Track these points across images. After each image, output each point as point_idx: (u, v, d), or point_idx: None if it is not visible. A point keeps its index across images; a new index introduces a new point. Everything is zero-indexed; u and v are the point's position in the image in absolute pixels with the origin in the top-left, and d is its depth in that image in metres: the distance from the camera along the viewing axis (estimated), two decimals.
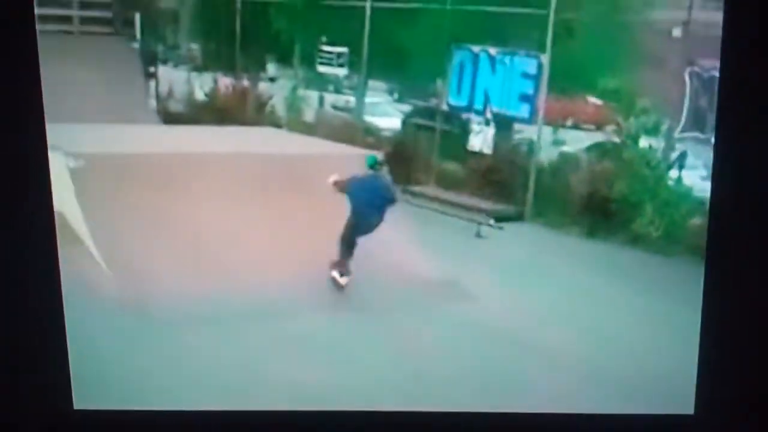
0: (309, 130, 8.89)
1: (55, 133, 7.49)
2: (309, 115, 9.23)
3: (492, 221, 8.02)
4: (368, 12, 8.82)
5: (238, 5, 9.21)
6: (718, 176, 2.52)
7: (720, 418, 2.83)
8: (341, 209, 7.11)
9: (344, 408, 3.31)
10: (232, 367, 5.62)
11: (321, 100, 9.30)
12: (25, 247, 2.97)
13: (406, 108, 9.34)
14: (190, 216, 7.11)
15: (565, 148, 8.51)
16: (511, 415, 3.19)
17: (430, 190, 8.50)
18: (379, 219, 7.22)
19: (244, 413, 3.28)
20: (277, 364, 5.65)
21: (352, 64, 9.09)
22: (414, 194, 8.41)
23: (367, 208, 7.22)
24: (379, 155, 7.67)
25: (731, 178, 2.51)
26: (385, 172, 7.60)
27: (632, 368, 5.62)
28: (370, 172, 7.37)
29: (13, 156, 2.91)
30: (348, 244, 7.17)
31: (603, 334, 6.27)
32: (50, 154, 6.97)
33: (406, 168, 8.48)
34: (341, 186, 7.21)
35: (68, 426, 3.18)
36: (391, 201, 7.34)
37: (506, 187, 8.30)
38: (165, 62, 9.05)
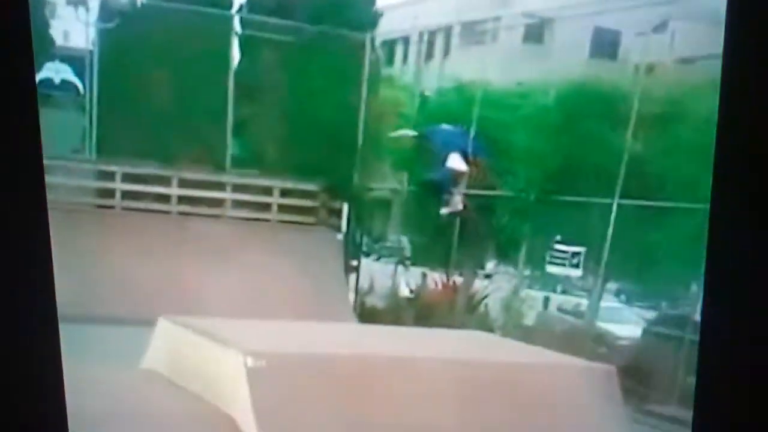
0: (526, 335, 7.94)
1: (233, 328, 7.01)
2: (529, 318, 8.30)
3: None
4: (614, 209, 7.99)
5: None
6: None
7: None
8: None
9: None
10: None
11: (546, 303, 8.41)
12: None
13: (649, 314, 8.26)
14: (381, 426, 6.26)
15: None
16: None
17: (672, 410, 7.16)
18: None
19: None
20: None
21: (588, 265, 8.18)
22: (652, 415, 7.09)
23: None
24: None
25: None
26: None
27: None
28: None
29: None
30: None
31: None
32: (225, 352, 6.44)
33: (644, 384, 7.23)
34: None
35: None
36: None
37: None
38: (368, 255, 8.67)
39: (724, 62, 2.54)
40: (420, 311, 8.29)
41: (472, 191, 8.74)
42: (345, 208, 8.61)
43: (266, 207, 8.60)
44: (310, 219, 8.57)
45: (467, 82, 9.51)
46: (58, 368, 2.48)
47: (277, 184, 8.66)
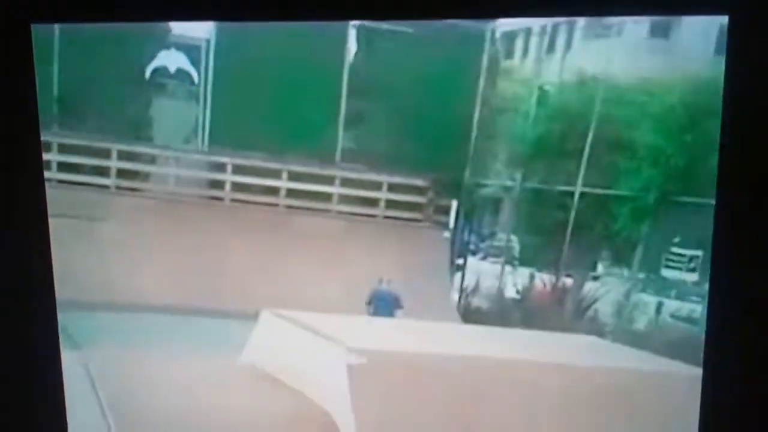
0: (638, 341, 7.77)
1: (336, 324, 7.16)
2: (640, 324, 8.13)
3: None
4: None
5: (575, 196, 8.59)
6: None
7: None
8: None
9: None
10: None
11: (659, 308, 8.23)
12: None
13: None
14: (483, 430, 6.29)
15: None
16: None
17: None
18: None
19: None
20: None
21: (706, 269, 7.98)
22: None
23: None
24: None
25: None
26: None
27: None
28: None
29: None
30: None
31: None
32: (327, 348, 6.60)
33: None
34: None
35: None
36: None
37: None
38: (474, 254, 8.65)
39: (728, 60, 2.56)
40: (526, 313, 8.26)
41: (588, 189, 8.66)
42: (453, 204, 8.63)
43: (373, 202, 8.71)
44: (418, 215, 8.64)
45: (589, 77, 9.37)
46: (58, 369, 2.66)
47: (385, 178, 8.77)
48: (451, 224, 8.58)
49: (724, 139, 2.48)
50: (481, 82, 9.54)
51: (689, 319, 8.21)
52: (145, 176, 8.66)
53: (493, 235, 8.99)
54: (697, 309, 8.22)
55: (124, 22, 2.54)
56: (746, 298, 2.52)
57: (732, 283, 2.52)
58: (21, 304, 2.81)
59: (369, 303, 8.07)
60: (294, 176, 8.82)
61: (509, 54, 10.86)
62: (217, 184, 8.77)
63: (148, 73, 8.72)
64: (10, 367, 2.91)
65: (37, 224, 2.82)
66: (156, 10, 2.54)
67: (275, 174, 8.75)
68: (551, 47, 10.47)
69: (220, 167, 8.71)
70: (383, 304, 8.06)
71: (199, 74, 9.10)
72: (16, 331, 2.88)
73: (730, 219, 2.51)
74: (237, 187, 8.74)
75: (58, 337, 3.02)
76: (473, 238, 8.79)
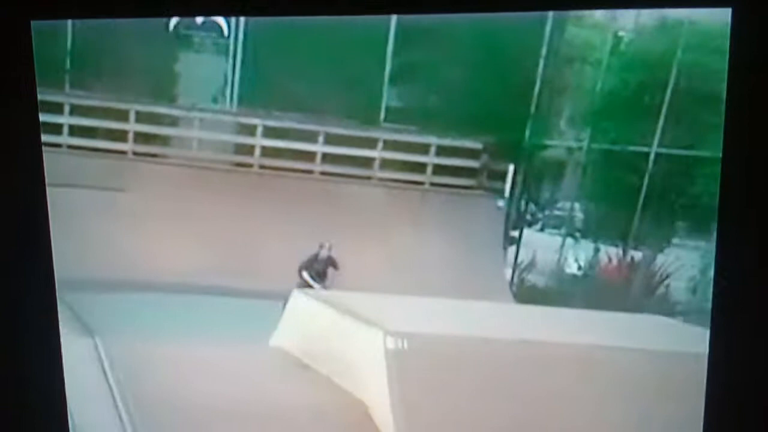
0: None
1: (374, 305, 7.10)
2: None
3: None
4: None
5: (650, 158, 8.36)
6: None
7: None
8: None
9: None
10: None
11: None
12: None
13: None
14: (540, 425, 6.20)
15: None
16: None
17: None
18: None
19: None
20: None
21: None
22: None
23: None
24: None
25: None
26: None
27: None
28: None
29: None
30: None
31: None
32: (366, 330, 6.55)
33: None
34: None
35: None
36: None
37: None
38: (531, 225, 8.50)
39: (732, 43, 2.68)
40: (589, 291, 8.12)
41: (665, 150, 8.44)
42: (510, 169, 8.48)
43: (420, 168, 8.59)
44: (469, 182, 8.51)
45: (671, 20, 9.07)
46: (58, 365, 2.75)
47: (434, 141, 8.63)
48: (507, 192, 8.43)
49: (727, 136, 2.58)
50: (548, 29, 9.32)
51: None
52: (166, 140, 8.62)
53: (553, 203, 8.83)
54: None
55: (127, 18, 2.64)
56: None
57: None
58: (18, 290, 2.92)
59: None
60: (332, 139, 8.75)
61: None
62: (247, 150, 8.70)
63: (171, 25, 8.64)
64: (8, 364, 3.02)
65: (37, 219, 2.93)
66: (162, 4, 2.58)
67: (311, 137, 8.68)
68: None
69: (250, 129, 8.64)
70: None
71: (229, 25, 8.97)
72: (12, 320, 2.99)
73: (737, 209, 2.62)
74: (268, 152, 8.67)
75: (58, 325, 3.08)
76: (531, 207, 8.64)
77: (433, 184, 8.48)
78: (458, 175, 8.52)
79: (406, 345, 6.32)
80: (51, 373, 3.11)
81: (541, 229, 8.71)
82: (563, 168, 8.73)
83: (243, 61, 8.90)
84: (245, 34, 8.83)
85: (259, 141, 8.60)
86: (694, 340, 7.20)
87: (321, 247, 8.04)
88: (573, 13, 10.22)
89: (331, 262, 7.96)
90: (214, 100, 9.04)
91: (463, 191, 8.44)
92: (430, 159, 8.59)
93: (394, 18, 9.11)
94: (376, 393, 6.19)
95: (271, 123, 8.57)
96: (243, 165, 8.60)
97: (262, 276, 7.63)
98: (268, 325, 6.93)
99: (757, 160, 2.67)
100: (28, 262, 3.00)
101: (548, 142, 8.79)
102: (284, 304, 7.26)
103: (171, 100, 8.83)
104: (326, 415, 6.09)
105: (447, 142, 8.67)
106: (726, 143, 2.93)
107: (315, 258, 7.80)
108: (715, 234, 8.53)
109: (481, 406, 6.13)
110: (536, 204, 8.64)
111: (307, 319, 7.03)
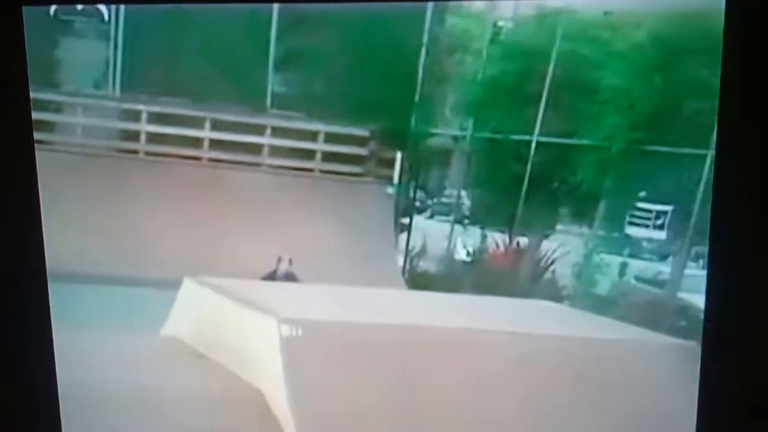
0: (599, 306, 7.88)
1: (267, 292, 7.08)
2: (603, 288, 8.21)
3: None
4: (708, 162, 7.81)
5: (532, 146, 8.58)
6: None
7: None
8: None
9: None
10: None
11: (623, 269, 8.31)
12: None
13: None
14: (432, 408, 6.30)
15: None
16: None
17: None
18: None
19: None
20: None
21: (674, 227, 8.06)
22: None
23: None
24: None
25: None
26: None
27: None
28: None
29: None
30: None
31: None
32: (260, 318, 6.53)
33: None
34: None
35: None
36: None
37: None
38: (421, 212, 8.64)
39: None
40: (478, 277, 8.29)
41: (546, 138, 8.66)
42: (398, 156, 8.58)
43: (309, 155, 8.62)
44: (358, 169, 8.59)
45: (549, 10, 9.31)
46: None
47: (322, 128, 8.67)
48: (396, 179, 8.53)
49: (723, 113, 2.60)
50: (428, 18, 9.45)
51: (655, 282, 8.29)
52: (50, 127, 8.41)
53: (441, 190, 8.97)
54: (665, 270, 8.30)
55: (114, 4, 2.65)
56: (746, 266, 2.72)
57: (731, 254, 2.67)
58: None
59: None
60: (218, 125, 8.69)
61: None
62: (132, 136, 8.56)
63: (51, 10, 8.44)
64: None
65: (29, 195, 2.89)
66: None
67: (197, 123, 8.59)
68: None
69: (135, 115, 8.50)
70: None
71: (109, 11, 8.81)
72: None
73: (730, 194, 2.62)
74: (154, 138, 8.54)
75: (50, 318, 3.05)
76: (420, 194, 8.76)
77: (323, 171, 8.53)
78: (348, 162, 8.59)
79: (300, 332, 6.34)
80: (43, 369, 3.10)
81: (431, 216, 8.85)
82: (449, 156, 8.89)
83: (125, 47, 8.75)
84: (126, 20, 8.69)
85: (144, 127, 8.47)
86: (580, 324, 7.50)
87: (279, 261, 8.02)
88: (452, 3, 10.39)
89: (291, 278, 7.95)
90: (97, 86, 8.89)
91: (353, 178, 8.51)
92: (319, 146, 8.63)
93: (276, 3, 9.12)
94: (272, 380, 6.19)
95: (156, 109, 8.45)
96: (129, 151, 8.46)
97: (153, 265, 7.53)
98: (161, 314, 6.84)
99: (750, 151, 2.66)
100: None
101: (434, 131, 8.93)
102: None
103: (54, 86, 8.62)
104: (223, 402, 6.06)
105: (335, 129, 8.72)
106: (720, 132, 2.86)
107: (273, 274, 7.76)
108: (597, 221, 8.82)
109: (374, 389, 6.19)
110: (425, 191, 8.77)
111: (199, 308, 6.97)
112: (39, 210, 3.00)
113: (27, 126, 2.95)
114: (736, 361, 2.63)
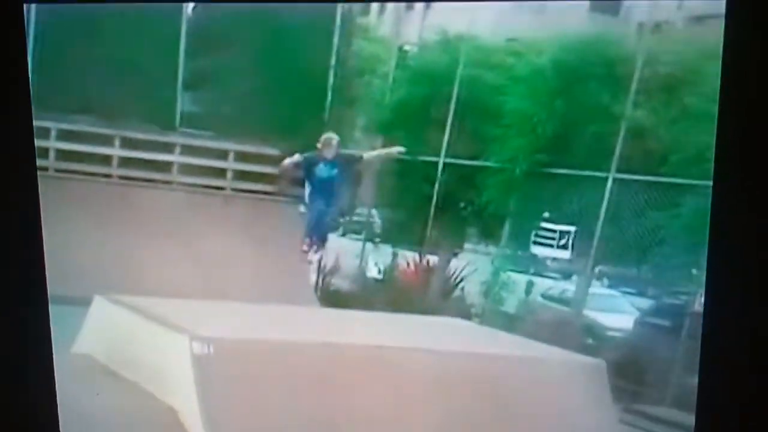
0: (507, 324, 8.06)
1: (178, 310, 7.06)
2: (510, 305, 8.44)
3: None
4: (609, 184, 8.07)
5: (439, 167, 8.75)
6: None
7: None
8: None
9: None
10: None
11: (529, 287, 8.52)
12: None
13: (644, 303, 8.37)
14: (346, 424, 6.36)
15: None
16: None
17: (665, 412, 7.29)
18: None
19: None
20: None
21: (577, 246, 8.29)
22: (643, 416, 7.22)
23: None
24: None
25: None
26: None
27: None
28: None
29: None
30: None
31: None
32: (172, 336, 6.50)
33: (637, 381, 7.41)
34: None
35: None
36: None
37: None
38: (333, 230, 8.72)
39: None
40: (389, 295, 8.39)
41: (453, 160, 8.81)
42: None
43: (220, 173, 8.63)
44: (270, 188, 8.62)
45: (453, 36, 9.50)
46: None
47: (232, 147, 8.70)
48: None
49: (722, 124, 2.61)
50: (336, 41, 9.55)
51: (561, 300, 8.50)
52: None
53: (353, 209, 9.06)
54: (570, 288, 8.53)
55: (118, 3, 2.70)
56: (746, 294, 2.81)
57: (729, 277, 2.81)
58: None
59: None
60: (128, 143, 8.63)
61: (365, 9, 10.90)
62: (40, 152, 8.42)
63: None
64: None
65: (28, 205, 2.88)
66: None
67: (107, 141, 8.52)
68: (410, 3, 10.59)
69: (44, 133, 8.39)
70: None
71: None
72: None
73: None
74: (63, 155, 8.44)
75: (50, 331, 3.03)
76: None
77: (234, 190, 8.54)
78: (260, 181, 8.61)
79: (212, 350, 6.35)
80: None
81: (343, 234, 8.92)
82: (360, 175, 8.98)
83: (33, 64, 8.59)
84: (35, 37, 8.59)
85: (53, 144, 8.38)
86: (489, 341, 7.65)
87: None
88: (359, 26, 10.51)
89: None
90: None
91: (265, 197, 8.54)
92: (229, 164, 8.64)
93: (184, 21, 9.11)
94: (184, 398, 6.18)
95: (65, 126, 8.37)
96: (38, 168, 8.32)
97: (62, 282, 7.43)
98: (71, 331, 6.76)
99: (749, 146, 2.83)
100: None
101: (344, 151, 9.02)
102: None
103: None
104: (136, 421, 6.03)
105: (245, 148, 8.74)
106: (720, 127, 2.91)
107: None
108: (503, 240, 9.01)
109: (286, 406, 6.23)
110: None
111: (111, 326, 6.91)
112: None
113: (27, 122, 2.97)
114: (735, 361, 2.71)
